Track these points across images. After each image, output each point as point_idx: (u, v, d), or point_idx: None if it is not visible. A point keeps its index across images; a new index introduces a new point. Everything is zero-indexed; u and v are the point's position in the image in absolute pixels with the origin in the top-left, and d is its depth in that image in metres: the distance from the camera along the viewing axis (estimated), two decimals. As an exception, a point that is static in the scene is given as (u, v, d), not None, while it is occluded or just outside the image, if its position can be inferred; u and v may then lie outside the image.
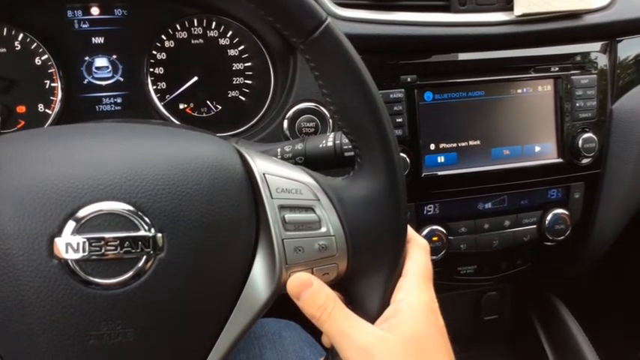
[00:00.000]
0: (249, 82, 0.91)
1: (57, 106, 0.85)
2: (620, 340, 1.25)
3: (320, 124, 0.85)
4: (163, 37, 0.87)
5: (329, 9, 0.85)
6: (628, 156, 1.00)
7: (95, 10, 0.85)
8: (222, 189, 0.48)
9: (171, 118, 0.89)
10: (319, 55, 0.49)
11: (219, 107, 0.91)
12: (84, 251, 0.43)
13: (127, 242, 0.44)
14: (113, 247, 0.43)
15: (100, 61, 0.86)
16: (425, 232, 0.92)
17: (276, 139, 0.84)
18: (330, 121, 0.85)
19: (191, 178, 0.47)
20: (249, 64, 0.91)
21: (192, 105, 0.90)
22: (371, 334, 0.49)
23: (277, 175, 0.51)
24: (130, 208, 0.44)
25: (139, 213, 0.45)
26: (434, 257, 0.92)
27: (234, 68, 0.90)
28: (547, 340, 1.18)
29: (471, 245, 0.96)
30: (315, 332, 0.64)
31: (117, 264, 0.44)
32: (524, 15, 0.90)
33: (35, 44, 0.84)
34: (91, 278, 0.43)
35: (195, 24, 0.88)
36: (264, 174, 0.50)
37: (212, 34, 0.89)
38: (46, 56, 0.84)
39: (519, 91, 0.94)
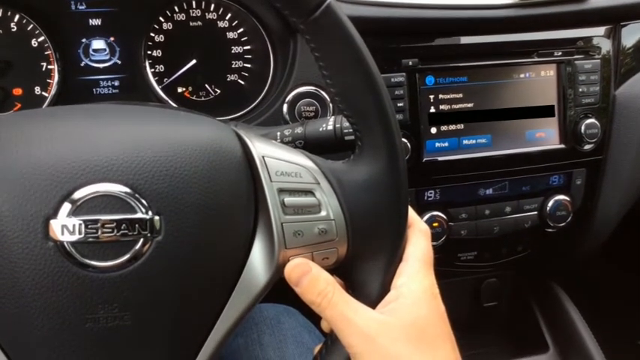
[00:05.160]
0: (249, 65, 0.90)
1: (54, 89, 0.84)
2: (620, 328, 1.25)
3: (320, 108, 0.84)
4: (161, 19, 0.86)
5: (330, -10, 0.84)
6: (630, 142, 0.99)
7: (92, -9, 0.84)
8: (220, 172, 0.47)
9: (170, 102, 0.88)
10: (320, 35, 0.48)
11: (218, 91, 0.90)
12: (80, 233, 0.42)
13: (124, 225, 0.43)
14: (109, 230, 0.43)
15: (97, 44, 0.85)
16: (425, 217, 0.92)
17: (276, 123, 0.83)
18: (331, 105, 0.84)
19: (189, 160, 0.46)
20: (248, 47, 0.90)
21: (190, 88, 0.89)
22: (372, 319, 0.48)
23: (277, 158, 0.50)
24: (127, 190, 0.44)
25: (136, 195, 0.44)
26: (434, 243, 0.92)
27: (233, 51, 0.89)
28: (547, 327, 1.18)
29: (472, 231, 0.96)
30: (314, 317, 0.64)
31: (113, 246, 0.43)
32: (527, -2, 0.89)
33: (31, 25, 0.82)
34: (88, 261, 0.43)
35: (194, 6, 0.87)
36: (263, 157, 0.49)
37: (211, 16, 0.88)
38: (42, 38, 0.83)
39: (522, 75, 0.93)
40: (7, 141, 0.45)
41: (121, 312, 0.44)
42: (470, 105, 0.91)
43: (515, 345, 1.19)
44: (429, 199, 0.93)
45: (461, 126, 0.91)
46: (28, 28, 0.82)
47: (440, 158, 0.91)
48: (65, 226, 0.42)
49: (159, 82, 0.88)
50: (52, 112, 0.56)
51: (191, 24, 0.87)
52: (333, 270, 0.51)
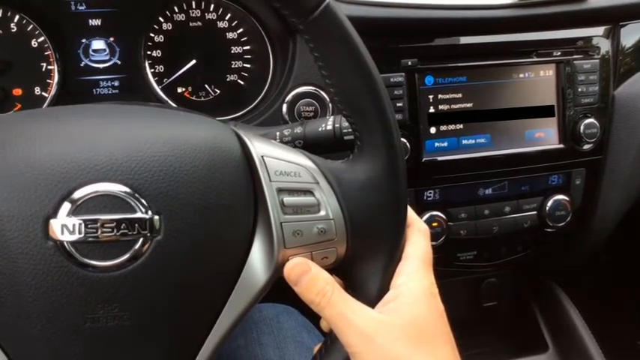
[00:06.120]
0: (248, 65, 0.90)
1: (53, 89, 0.84)
2: (620, 328, 1.25)
3: (319, 108, 0.84)
4: (161, 19, 0.86)
5: (329, -10, 0.84)
6: (630, 142, 0.99)
7: (92, -8, 0.84)
8: (220, 171, 0.47)
9: (169, 102, 0.88)
10: (319, 36, 0.48)
11: (218, 91, 0.90)
12: (80, 233, 0.42)
13: (124, 224, 0.43)
14: (109, 229, 0.43)
15: (97, 44, 0.85)
16: (425, 217, 0.92)
17: (275, 123, 0.83)
18: (330, 105, 0.84)
19: (189, 160, 0.46)
20: (247, 47, 0.90)
21: (190, 89, 0.89)
22: (371, 318, 0.49)
23: (276, 158, 0.50)
24: (127, 189, 0.44)
25: (136, 195, 0.44)
26: (433, 243, 0.91)
27: (232, 52, 0.89)
28: (546, 327, 1.18)
29: (471, 231, 0.96)
30: (313, 317, 0.64)
31: (113, 246, 0.43)
32: (526, -3, 0.89)
33: (31, 26, 0.82)
34: (87, 260, 0.43)
35: (193, 6, 0.87)
36: (262, 156, 0.49)
37: (210, 16, 0.88)
38: (42, 38, 0.83)
39: (521, 75, 0.93)
40: (7, 141, 0.45)
41: (120, 311, 0.44)
42: (469, 105, 0.91)
43: (515, 345, 1.19)
44: (429, 198, 0.93)
45: (460, 126, 0.91)
46: (28, 29, 0.82)
47: (439, 158, 0.91)
48: (65, 226, 0.42)
49: (159, 83, 0.88)
50: (52, 112, 0.56)
51: (191, 24, 0.87)
52: (332, 269, 0.51)
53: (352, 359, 0.49)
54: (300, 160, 0.51)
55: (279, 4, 0.47)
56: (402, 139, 0.85)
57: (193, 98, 0.89)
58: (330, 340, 0.52)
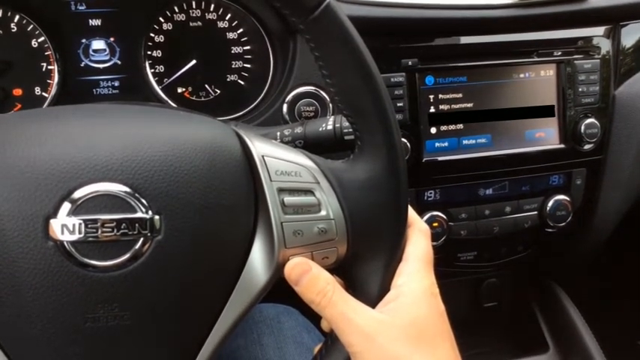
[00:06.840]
0: (248, 65, 0.90)
1: (54, 89, 0.84)
2: (621, 328, 1.25)
3: (320, 108, 0.84)
4: (161, 19, 0.86)
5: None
6: (630, 142, 0.99)
7: (92, -8, 0.84)
8: (220, 171, 0.47)
9: (170, 102, 0.88)
10: (319, 35, 0.48)
11: (218, 91, 0.90)
12: (80, 233, 0.42)
13: (124, 224, 0.43)
14: (109, 229, 0.43)
15: (97, 44, 0.85)
16: (425, 217, 0.92)
17: (276, 123, 0.83)
18: (330, 105, 0.84)
19: (189, 160, 0.46)
20: (248, 47, 0.90)
21: (190, 89, 0.89)
22: (372, 318, 0.48)
23: (276, 158, 0.50)
24: (127, 189, 0.44)
25: (136, 194, 0.44)
26: (434, 243, 0.92)
27: (233, 52, 0.89)
28: (547, 327, 1.18)
29: (472, 231, 0.95)
30: (314, 317, 0.64)
31: (113, 246, 0.43)
32: (527, -3, 0.89)
33: (31, 26, 0.82)
34: (87, 260, 0.43)
35: (194, 6, 0.87)
36: (263, 156, 0.49)
37: (211, 16, 0.88)
38: (42, 38, 0.83)
39: (521, 75, 0.93)
40: (7, 141, 0.45)
41: (121, 311, 0.44)
42: (469, 105, 0.91)
43: (515, 345, 1.19)
44: (429, 199, 0.93)
45: (460, 126, 0.91)
46: (28, 29, 0.82)
47: (440, 158, 0.91)
48: (65, 226, 0.42)
49: (159, 83, 0.88)
50: (52, 112, 0.56)
51: (191, 24, 0.87)
52: (333, 269, 0.51)
53: (353, 359, 0.49)
54: (301, 159, 0.51)
55: (279, 3, 0.47)
56: (403, 139, 0.85)
57: (193, 98, 0.89)
58: (331, 340, 0.52)
